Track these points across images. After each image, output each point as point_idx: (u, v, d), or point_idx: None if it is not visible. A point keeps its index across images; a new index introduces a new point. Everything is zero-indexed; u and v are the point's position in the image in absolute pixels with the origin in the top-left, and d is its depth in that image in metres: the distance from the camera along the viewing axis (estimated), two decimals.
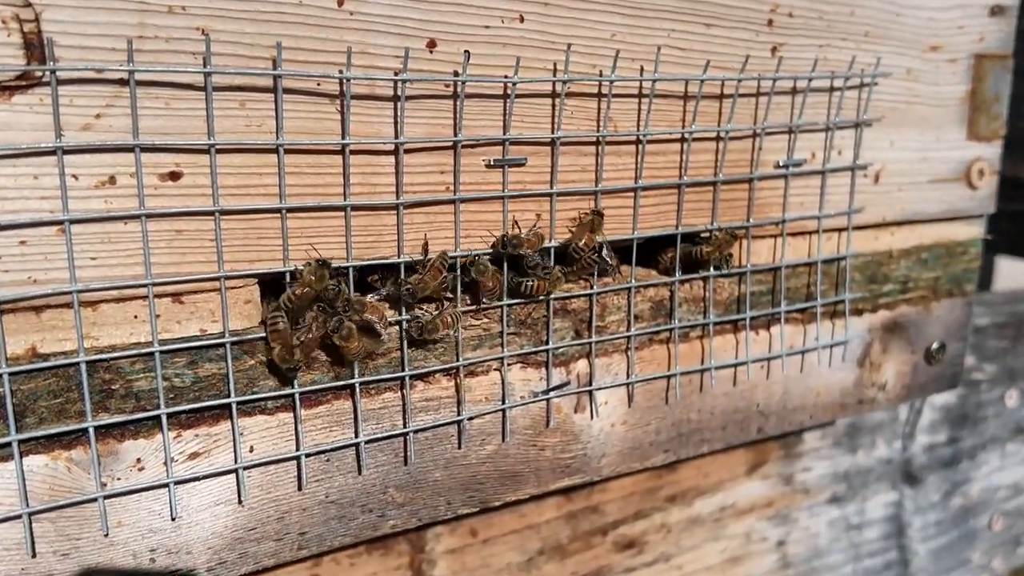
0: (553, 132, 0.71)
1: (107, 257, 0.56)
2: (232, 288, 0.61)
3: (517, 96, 0.68)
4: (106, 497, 0.58)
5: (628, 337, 0.80)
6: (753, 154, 0.83)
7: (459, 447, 0.73)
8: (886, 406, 1.03)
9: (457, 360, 0.71)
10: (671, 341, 0.83)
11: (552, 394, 0.76)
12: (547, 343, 0.75)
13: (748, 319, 0.86)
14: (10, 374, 0.54)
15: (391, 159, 0.65)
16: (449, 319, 0.66)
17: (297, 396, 0.64)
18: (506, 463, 0.76)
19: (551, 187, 0.72)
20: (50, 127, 0.52)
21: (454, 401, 0.72)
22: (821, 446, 1.19)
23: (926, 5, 0.92)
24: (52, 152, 0.53)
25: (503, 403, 0.74)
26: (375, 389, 0.68)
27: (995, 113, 0.99)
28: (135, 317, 0.58)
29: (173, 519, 0.61)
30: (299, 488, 0.66)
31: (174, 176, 0.57)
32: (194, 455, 0.62)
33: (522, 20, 0.68)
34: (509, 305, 0.73)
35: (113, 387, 0.58)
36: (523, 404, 0.75)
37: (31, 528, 0.56)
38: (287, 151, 0.60)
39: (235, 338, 0.61)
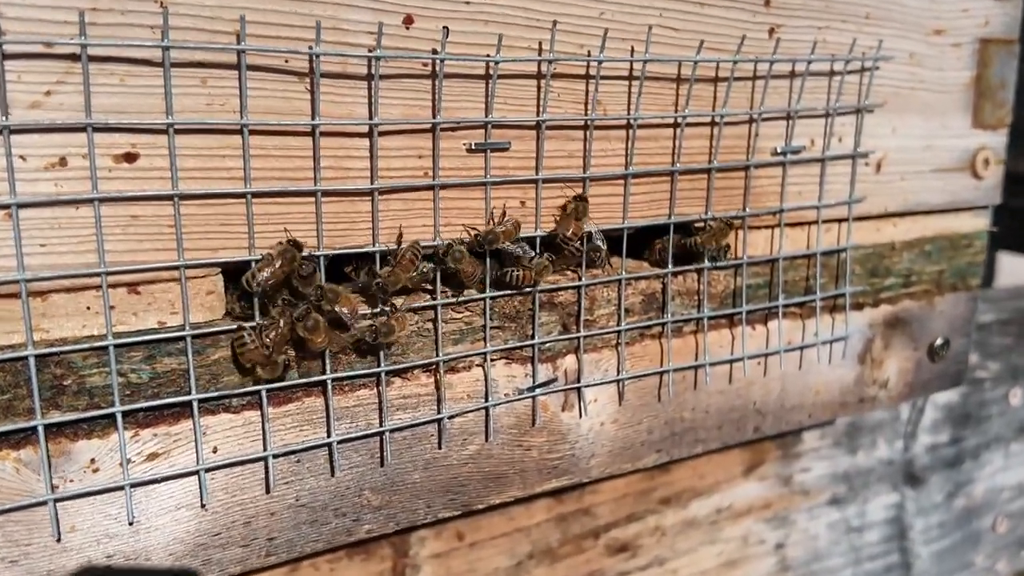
0: (538, 115, 0.69)
1: (57, 244, 0.53)
2: (193, 278, 0.58)
3: (500, 76, 0.66)
4: (57, 500, 0.55)
5: (618, 332, 0.77)
6: (749, 140, 0.81)
7: (439, 447, 0.70)
8: (888, 405, 1.01)
9: (437, 355, 0.68)
10: (664, 336, 0.81)
11: (538, 391, 0.74)
12: (533, 338, 0.73)
13: (744, 313, 0.84)
14: None
15: (365, 142, 0.62)
16: (403, 318, 0.64)
17: (264, 393, 0.61)
18: (489, 464, 0.73)
19: (536, 173, 0.70)
20: None
21: (434, 399, 0.69)
22: (820, 446, 1.17)
23: None
24: None
25: (486, 401, 0.71)
26: (349, 386, 0.66)
27: (1001, 100, 0.98)
28: (88, 308, 0.56)
29: (131, 524, 0.58)
30: (267, 491, 0.63)
31: (130, 157, 0.55)
32: (153, 456, 0.59)
33: None
34: (493, 297, 0.70)
35: (65, 383, 0.55)
36: (507, 402, 0.73)
37: None
38: (252, 132, 0.58)
39: (196, 331, 0.58)
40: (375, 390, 0.66)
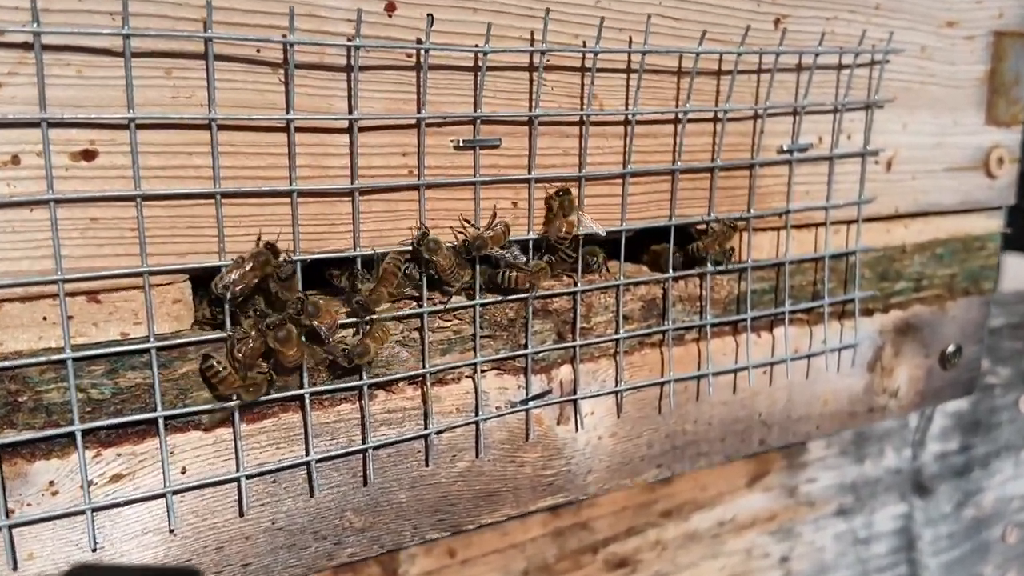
0: (531, 110, 0.66)
1: (10, 249, 0.51)
2: (158, 285, 0.55)
3: (489, 68, 0.63)
4: (13, 526, 0.53)
5: (616, 340, 0.75)
6: (754, 137, 0.79)
7: (426, 464, 0.68)
8: (898, 414, 0.99)
9: (424, 366, 0.66)
10: (664, 344, 0.79)
11: (532, 404, 0.71)
12: (526, 347, 0.71)
13: (749, 320, 0.82)
14: None
15: (344, 138, 0.60)
16: (380, 335, 0.61)
17: (236, 409, 0.58)
18: (480, 482, 0.71)
19: (529, 172, 0.67)
20: None
21: (420, 413, 0.67)
22: (827, 455, 1.16)
23: None
24: None
25: (476, 414, 0.69)
26: (329, 400, 0.63)
27: (1015, 96, 0.96)
28: (44, 319, 0.53)
29: (94, 550, 0.55)
30: (240, 514, 0.60)
31: (88, 155, 0.52)
32: (116, 477, 0.56)
33: None
34: (483, 304, 0.68)
35: (20, 399, 0.52)
36: (499, 415, 0.70)
37: None
38: (221, 127, 0.55)
39: (162, 343, 0.55)
40: (357, 404, 0.64)
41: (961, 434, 1.32)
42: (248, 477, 0.59)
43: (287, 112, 0.56)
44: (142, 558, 0.57)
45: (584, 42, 0.67)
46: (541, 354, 0.72)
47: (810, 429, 0.91)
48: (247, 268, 0.54)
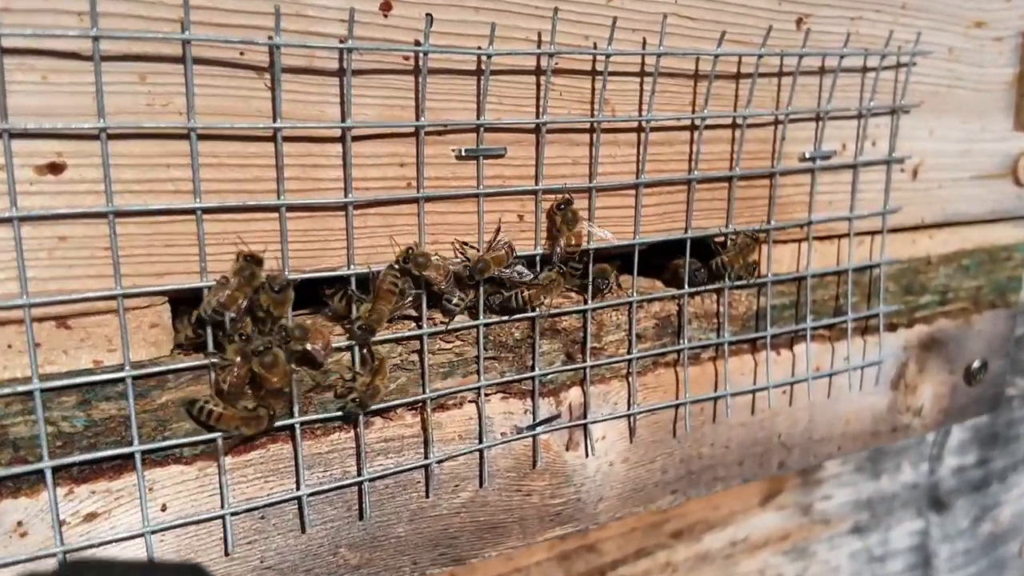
0: (538, 116, 0.64)
1: None
2: (134, 309, 0.53)
3: (493, 72, 0.61)
4: None
5: (629, 360, 0.74)
6: (775, 144, 0.77)
7: (427, 496, 0.65)
8: (921, 433, 0.97)
9: (424, 391, 0.63)
10: (679, 364, 0.77)
11: (539, 429, 0.69)
12: (533, 369, 0.69)
13: (769, 337, 0.80)
14: None
15: (337, 148, 0.57)
16: (384, 365, 0.58)
17: (220, 441, 0.55)
18: (484, 513, 0.68)
19: (536, 183, 0.65)
20: None
21: (420, 441, 0.64)
22: (842, 472, 1.14)
23: None
24: None
25: (480, 441, 0.67)
26: (322, 429, 0.60)
27: None
28: (9, 347, 0.50)
29: None
30: (226, 553, 0.58)
31: (55, 168, 0.49)
32: (91, 516, 0.53)
33: None
34: (487, 324, 0.65)
35: None
36: (504, 442, 0.68)
37: None
38: (202, 136, 0.53)
39: (138, 371, 0.53)
40: (352, 433, 0.61)
41: (979, 447, 1.31)
42: (234, 514, 0.57)
43: (274, 120, 0.54)
44: None
45: (595, 44, 0.65)
46: (549, 376, 0.70)
47: (831, 450, 0.89)
48: (233, 287, 0.51)
